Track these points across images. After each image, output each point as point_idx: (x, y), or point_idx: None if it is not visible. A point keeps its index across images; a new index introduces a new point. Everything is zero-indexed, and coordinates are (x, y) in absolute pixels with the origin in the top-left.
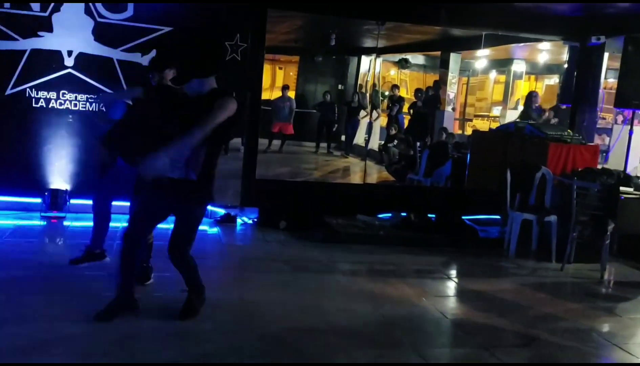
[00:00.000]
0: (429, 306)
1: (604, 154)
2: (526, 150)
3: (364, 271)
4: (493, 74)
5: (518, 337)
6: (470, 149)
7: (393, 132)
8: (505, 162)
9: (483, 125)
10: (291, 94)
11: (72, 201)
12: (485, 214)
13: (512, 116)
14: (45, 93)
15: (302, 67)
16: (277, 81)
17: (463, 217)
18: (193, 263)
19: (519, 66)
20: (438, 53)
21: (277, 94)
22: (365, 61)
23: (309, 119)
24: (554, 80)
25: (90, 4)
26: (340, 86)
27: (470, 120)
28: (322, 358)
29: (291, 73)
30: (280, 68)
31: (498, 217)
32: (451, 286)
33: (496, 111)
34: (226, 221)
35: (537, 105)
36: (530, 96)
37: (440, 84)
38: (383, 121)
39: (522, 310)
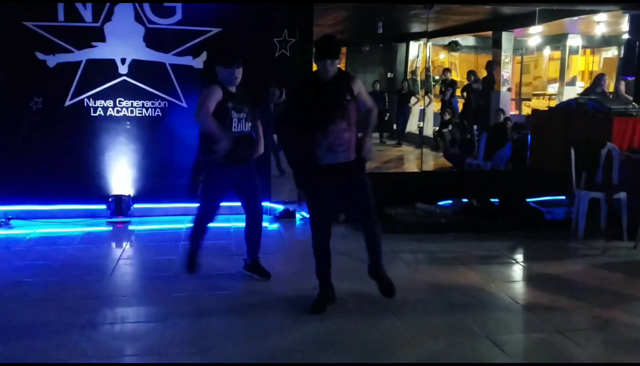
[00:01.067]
0: (498, 292)
1: None
2: (589, 126)
3: (428, 260)
4: (547, 51)
5: (593, 320)
6: (530, 129)
7: (447, 117)
8: (568, 140)
9: (539, 104)
10: None
11: (135, 206)
12: (550, 196)
13: (569, 93)
14: (103, 102)
15: (349, 58)
16: None
17: (527, 199)
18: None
19: (574, 41)
20: (489, 33)
21: None
22: (413, 46)
23: None
24: (612, 52)
25: (140, 10)
26: (389, 74)
27: (529, 99)
28: (392, 349)
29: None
30: None
31: (563, 198)
32: (520, 271)
33: (551, 88)
34: (285, 217)
35: (603, 89)
36: (599, 79)
37: (494, 64)
38: (436, 106)
39: (595, 292)
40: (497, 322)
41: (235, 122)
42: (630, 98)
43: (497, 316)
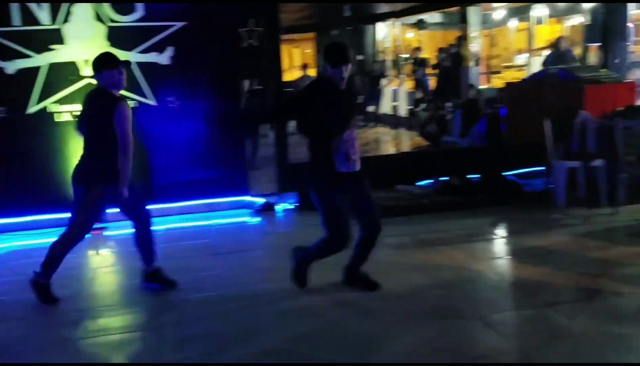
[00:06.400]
0: (485, 270)
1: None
2: (562, 96)
3: (412, 243)
4: (514, 23)
5: (581, 291)
6: (506, 102)
7: (420, 96)
8: (542, 111)
9: (510, 76)
10: (311, 72)
11: (110, 211)
12: (527, 168)
13: (538, 63)
14: (68, 106)
15: (319, 43)
16: (294, 60)
17: (505, 173)
18: None
19: (539, 11)
20: (456, 9)
21: (295, 74)
22: (381, 27)
23: None
24: (577, 20)
25: (99, 9)
26: (359, 57)
27: (499, 72)
28: (386, 339)
29: (307, 50)
30: (295, 47)
31: (542, 168)
32: (504, 247)
33: (519, 60)
34: (266, 210)
35: (566, 49)
36: (558, 42)
37: (462, 40)
38: (409, 85)
39: (581, 261)
40: (486, 302)
41: None
42: None
43: (486, 295)
